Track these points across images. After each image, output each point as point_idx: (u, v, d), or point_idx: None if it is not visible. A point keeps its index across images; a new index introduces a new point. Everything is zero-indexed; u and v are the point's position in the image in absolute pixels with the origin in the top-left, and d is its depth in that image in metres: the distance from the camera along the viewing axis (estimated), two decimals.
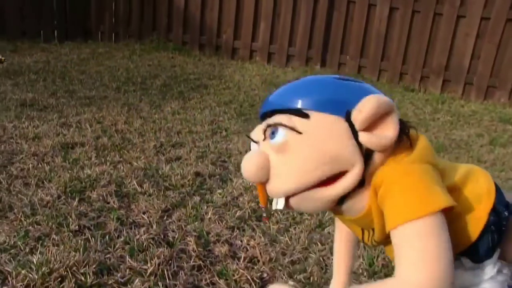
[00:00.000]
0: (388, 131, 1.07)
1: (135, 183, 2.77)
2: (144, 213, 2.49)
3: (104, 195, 2.62)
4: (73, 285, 1.85)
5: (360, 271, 2.20)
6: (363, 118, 1.06)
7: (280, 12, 7.14)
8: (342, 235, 1.58)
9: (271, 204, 1.18)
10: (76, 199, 2.52)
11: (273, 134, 1.12)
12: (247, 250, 2.26)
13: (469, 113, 5.71)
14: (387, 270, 2.21)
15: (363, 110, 1.06)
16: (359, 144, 1.09)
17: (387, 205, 1.06)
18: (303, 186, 1.09)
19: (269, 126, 1.14)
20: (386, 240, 1.15)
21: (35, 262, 1.93)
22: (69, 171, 2.85)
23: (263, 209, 1.21)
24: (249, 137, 1.22)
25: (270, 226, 2.48)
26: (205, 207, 2.61)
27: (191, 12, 7.39)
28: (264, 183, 1.14)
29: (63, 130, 3.55)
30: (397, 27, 6.75)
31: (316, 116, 1.09)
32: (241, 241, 2.32)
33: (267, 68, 6.92)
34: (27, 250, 2.05)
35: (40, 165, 2.91)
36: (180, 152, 3.38)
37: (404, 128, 1.12)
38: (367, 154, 1.10)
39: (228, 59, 7.29)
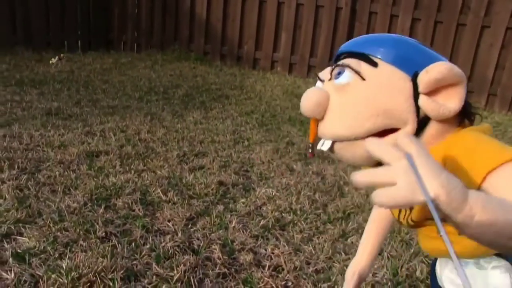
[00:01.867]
0: (450, 101, 1.05)
1: (160, 192, 2.80)
2: (169, 221, 2.51)
3: (129, 203, 2.65)
4: None
5: (384, 281, 2.21)
6: (428, 79, 1.04)
7: (302, 23, 7.16)
8: (377, 215, 1.57)
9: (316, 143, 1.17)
10: (102, 207, 2.56)
11: (339, 74, 1.12)
12: (272, 258, 2.28)
13: (493, 124, 5.66)
14: (411, 281, 2.22)
15: (430, 72, 1.04)
16: (418, 108, 1.07)
17: (462, 171, 0.98)
18: (352, 135, 1.08)
19: (337, 66, 1.14)
20: (423, 221, 1.14)
21: (64, 267, 1.96)
22: (95, 179, 2.89)
23: (310, 145, 1.18)
24: (317, 75, 1.20)
25: (294, 235, 2.50)
26: (229, 216, 2.63)
27: (213, 22, 7.44)
28: (318, 120, 1.13)
29: (88, 138, 3.59)
30: (419, 38, 6.73)
31: (383, 67, 1.09)
32: (266, 250, 2.34)
33: (288, 78, 6.94)
34: (56, 255, 2.09)
35: (66, 172, 2.95)
36: (203, 161, 3.41)
37: (469, 111, 1.11)
38: (423, 122, 1.08)
39: (249, 69, 7.32)
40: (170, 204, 2.70)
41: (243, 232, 2.48)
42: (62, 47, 7.11)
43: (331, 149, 1.13)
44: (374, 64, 1.09)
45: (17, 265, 1.98)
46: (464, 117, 1.11)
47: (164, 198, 2.75)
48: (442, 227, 0.73)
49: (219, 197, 2.86)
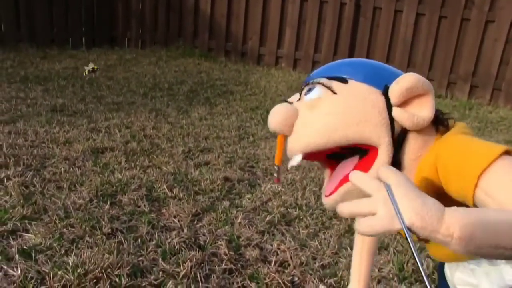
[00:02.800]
0: (423, 111, 1.08)
1: (165, 188, 2.80)
2: (174, 217, 2.51)
3: (135, 199, 2.64)
4: (108, 286, 1.88)
5: (391, 276, 2.20)
6: (399, 90, 1.07)
7: (306, 19, 7.15)
8: (363, 242, 1.57)
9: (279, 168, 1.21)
10: (108, 203, 2.56)
11: (309, 91, 1.15)
12: (278, 254, 2.27)
13: (497, 119, 5.66)
14: (417, 276, 2.21)
15: (400, 82, 1.07)
16: (392, 122, 1.09)
17: (454, 176, 1.02)
18: (324, 144, 1.09)
19: (307, 85, 1.17)
20: None
21: (70, 264, 1.96)
22: (100, 175, 2.89)
23: (275, 168, 1.19)
24: (285, 100, 1.22)
25: (300, 231, 2.49)
26: (235, 212, 2.63)
27: (217, 19, 7.44)
28: (285, 137, 1.14)
29: (93, 135, 3.59)
30: (424, 33, 6.72)
31: (354, 83, 1.12)
32: (272, 245, 2.34)
33: (292, 74, 6.93)
34: (62, 251, 2.08)
35: (71, 169, 2.95)
36: (209, 157, 3.41)
37: (441, 118, 1.14)
38: (402, 135, 1.11)
39: (254, 65, 7.31)
40: (175, 200, 2.70)
41: (249, 227, 2.48)
42: (66, 43, 7.11)
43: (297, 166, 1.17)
44: (344, 81, 1.12)
45: (23, 261, 1.98)
46: (438, 124, 1.13)
47: (169, 194, 2.75)
48: (417, 254, 0.80)
49: (224, 193, 2.86)
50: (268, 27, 7.31)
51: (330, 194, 1.14)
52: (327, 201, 1.15)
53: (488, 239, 0.84)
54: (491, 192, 0.95)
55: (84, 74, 5.47)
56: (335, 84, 1.12)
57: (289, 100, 1.21)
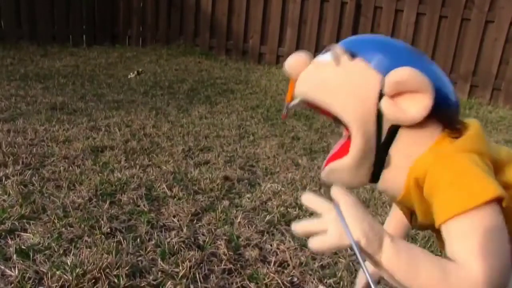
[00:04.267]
0: (412, 108, 1.06)
1: (165, 187, 2.79)
2: (174, 216, 2.50)
3: (135, 198, 2.64)
4: (107, 286, 1.87)
5: None
6: (389, 81, 1.06)
7: (307, 18, 7.14)
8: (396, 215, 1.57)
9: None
10: (107, 202, 2.55)
11: (323, 54, 1.20)
12: (277, 254, 2.26)
13: (497, 119, 5.65)
14: None
15: (392, 74, 1.06)
16: (381, 114, 1.09)
17: (435, 200, 1.03)
18: (310, 98, 1.18)
19: (327, 47, 1.21)
20: (430, 226, 1.16)
21: (69, 264, 1.95)
22: (100, 174, 2.88)
23: (285, 105, 1.28)
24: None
25: None
26: (235, 211, 2.62)
27: (218, 17, 7.43)
28: (295, 81, 1.21)
29: (93, 133, 3.59)
30: (424, 32, 6.71)
31: (359, 62, 1.12)
32: (271, 245, 2.33)
33: None
34: (61, 251, 2.08)
35: (71, 168, 2.94)
36: (209, 156, 3.40)
37: (451, 122, 1.12)
38: (393, 130, 1.10)
39: (255, 64, 7.31)
40: (175, 199, 2.69)
41: (248, 227, 2.47)
42: (67, 41, 7.12)
43: (299, 106, 1.23)
44: (353, 56, 1.13)
45: (21, 261, 1.97)
46: (446, 127, 1.11)
47: (169, 193, 2.74)
48: (363, 264, 0.89)
49: (224, 192, 2.85)
50: (269, 26, 7.31)
51: (323, 168, 1.22)
52: (322, 173, 1.23)
53: (405, 282, 0.95)
54: (449, 238, 0.99)
55: (129, 76, 5.48)
56: (343, 57, 1.14)
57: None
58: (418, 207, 1.13)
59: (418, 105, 1.05)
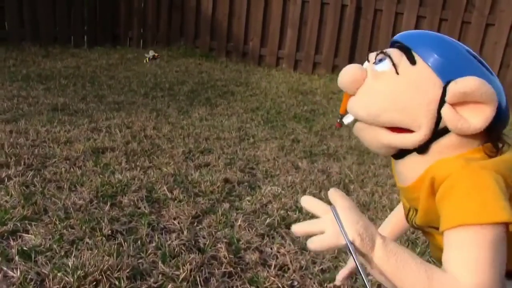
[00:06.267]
0: (474, 118, 1.03)
1: (165, 189, 2.81)
2: (174, 219, 2.52)
3: (135, 200, 2.65)
4: None
5: None
6: (455, 91, 1.03)
7: (307, 20, 7.15)
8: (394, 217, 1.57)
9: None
10: (108, 204, 2.56)
11: (380, 61, 1.16)
12: (277, 257, 2.28)
13: None
14: None
15: (459, 83, 1.03)
16: (439, 117, 1.07)
17: (446, 204, 1.03)
18: (369, 119, 1.14)
19: (382, 53, 1.17)
20: (425, 227, 1.19)
21: (70, 266, 1.96)
22: (100, 176, 2.89)
23: (339, 115, 1.25)
24: (368, 55, 1.24)
25: None
26: (235, 214, 2.63)
27: (218, 19, 7.44)
28: (350, 95, 1.18)
29: (94, 134, 3.60)
30: None
31: (421, 68, 1.10)
32: (271, 249, 2.34)
33: (293, 75, 6.93)
34: (62, 253, 2.09)
35: (72, 169, 2.95)
36: (209, 158, 3.41)
37: (496, 136, 1.10)
38: (444, 130, 1.08)
39: (255, 66, 7.32)
40: (175, 201, 2.70)
41: (248, 230, 2.48)
42: (69, 42, 7.13)
43: (353, 124, 1.20)
44: (413, 62, 1.11)
45: (23, 263, 1.98)
46: (488, 140, 1.09)
47: (169, 195, 2.76)
48: (358, 262, 0.94)
49: (224, 195, 2.86)
50: (269, 28, 7.32)
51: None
52: (356, 125, 1.21)
53: (393, 282, 0.99)
54: (447, 246, 1.01)
55: (145, 61, 5.47)
56: (402, 63, 1.12)
57: (369, 56, 1.22)
58: (421, 204, 1.13)
59: (480, 116, 1.03)
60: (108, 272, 1.96)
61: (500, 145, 1.11)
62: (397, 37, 1.19)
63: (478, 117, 1.03)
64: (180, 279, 2.00)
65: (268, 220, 2.59)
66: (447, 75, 1.07)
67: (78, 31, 7.32)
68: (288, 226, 2.58)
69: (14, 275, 1.90)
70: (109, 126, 3.84)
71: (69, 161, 3.08)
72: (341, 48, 7.08)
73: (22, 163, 2.92)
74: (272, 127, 4.39)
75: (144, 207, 2.59)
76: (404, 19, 6.75)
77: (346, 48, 7.05)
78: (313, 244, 1.00)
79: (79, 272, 1.92)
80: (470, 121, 1.04)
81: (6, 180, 2.69)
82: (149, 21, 7.69)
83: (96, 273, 1.93)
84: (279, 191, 2.98)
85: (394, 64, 1.12)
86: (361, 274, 0.94)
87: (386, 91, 1.12)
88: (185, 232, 2.38)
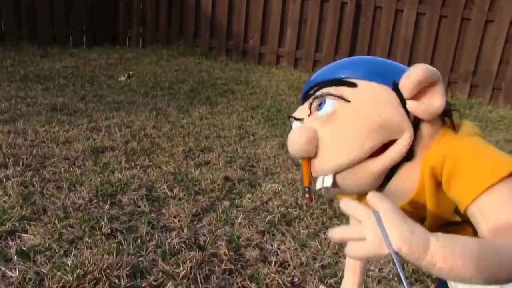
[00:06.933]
0: (436, 99, 1.07)
1: (165, 188, 2.79)
2: (174, 217, 2.50)
3: (135, 199, 2.64)
4: (107, 287, 1.87)
5: (391, 276, 2.19)
6: (411, 83, 1.06)
7: (307, 18, 7.14)
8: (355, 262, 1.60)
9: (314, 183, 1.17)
10: (108, 203, 2.55)
11: (320, 106, 1.12)
12: (278, 254, 2.26)
13: (497, 118, 5.65)
14: (418, 275, 2.21)
15: (411, 76, 1.06)
16: (407, 113, 1.09)
17: (458, 179, 1.03)
18: (356, 159, 1.08)
19: (316, 98, 1.14)
20: (437, 229, 1.15)
21: (69, 264, 1.95)
22: (100, 175, 2.88)
23: (306, 189, 1.18)
24: (291, 116, 1.20)
25: (300, 231, 2.49)
26: (235, 212, 2.62)
27: (218, 18, 7.43)
28: (310, 159, 1.13)
29: (93, 134, 3.59)
30: (424, 32, 6.71)
31: (363, 85, 1.10)
32: (272, 246, 2.33)
33: (293, 73, 6.92)
34: (62, 252, 2.07)
35: (71, 169, 2.94)
36: (209, 156, 3.40)
37: (449, 110, 1.14)
38: (414, 125, 1.10)
39: (255, 64, 7.31)
40: (176, 200, 2.69)
41: (249, 228, 2.47)
42: (67, 42, 7.11)
43: (334, 183, 1.12)
44: (353, 85, 1.10)
45: (22, 262, 1.97)
46: (445, 115, 1.13)
47: (170, 194, 2.74)
48: (404, 277, 0.84)
49: (225, 193, 2.85)
50: (269, 26, 7.31)
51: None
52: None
53: (468, 271, 0.88)
54: (486, 213, 0.97)
55: (119, 79, 5.47)
56: (345, 91, 1.10)
57: (296, 115, 1.18)
58: (430, 202, 1.12)
59: (438, 95, 1.07)
60: (108, 271, 1.94)
61: (451, 112, 1.15)
62: (314, 79, 1.18)
63: (437, 96, 1.07)
64: (180, 277, 1.99)
65: (268, 217, 2.58)
66: (387, 80, 1.10)
67: (76, 31, 7.30)
68: (288, 223, 2.57)
69: (13, 275, 1.88)
70: (108, 125, 3.83)
71: (68, 160, 3.06)
72: (342, 45, 7.07)
73: (21, 163, 2.90)
74: (272, 125, 4.38)
75: (144, 205, 2.58)
76: (404, 16, 6.74)
77: (346, 46, 7.04)
78: (352, 251, 0.91)
79: (78, 271, 1.90)
80: (433, 103, 1.07)
81: (4, 180, 2.67)
82: (148, 20, 7.68)
83: (96, 271, 1.92)
84: (279, 189, 2.96)
85: (339, 96, 1.10)
86: (404, 285, 0.86)
87: (353, 122, 1.09)
88: (185, 230, 2.37)
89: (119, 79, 5.45)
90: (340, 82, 1.12)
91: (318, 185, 1.15)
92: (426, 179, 1.09)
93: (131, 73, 5.54)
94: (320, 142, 1.11)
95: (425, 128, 1.11)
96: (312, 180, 1.17)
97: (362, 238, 0.90)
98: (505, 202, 0.96)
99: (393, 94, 1.09)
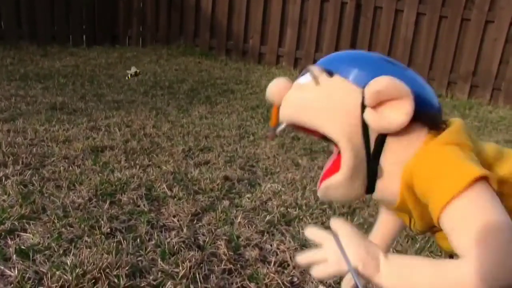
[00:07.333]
0: (394, 114, 1.08)
1: (165, 187, 2.79)
2: (174, 216, 2.50)
3: (135, 199, 2.63)
4: (107, 286, 1.86)
5: None
6: (369, 92, 1.08)
7: (307, 18, 7.14)
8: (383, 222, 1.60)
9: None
10: (107, 202, 2.54)
11: (302, 75, 1.23)
12: (277, 254, 2.26)
13: (497, 119, 5.65)
14: None
15: (372, 84, 1.08)
16: (366, 125, 1.11)
17: (427, 193, 1.05)
18: (295, 120, 1.20)
19: (305, 69, 1.24)
20: (429, 229, 1.20)
21: (69, 264, 1.95)
22: (100, 174, 2.87)
23: (269, 128, 1.36)
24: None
25: (300, 231, 2.48)
26: (235, 211, 2.62)
27: (218, 17, 7.43)
28: (278, 106, 1.25)
29: (93, 133, 3.58)
30: (424, 32, 6.72)
31: (338, 80, 1.16)
32: (271, 245, 2.33)
33: (293, 73, 6.91)
34: (61, 251, 2.07)
35: (71, 168, 2.94)
36: (209, 156, 3.40)
37: (435, 122, 1.15)
38: (381, 139, 1.12)
39: (255, 64, 7.31)
40: (175, 199, 2.69)
41: (248, 227, 2.47)
42: (67, 41, 7.11)
43: (284, 131, 1.27)
44: (330, 74, 1.17)
45: (21, 261, 1.96)
46: (431, 128, 1.13)
47: (169, 193, 2.74)
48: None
49: (224, 192, 2.85)
50: (269, 26, 7.31)
51: (318, 187, 1.25)
52: (318, 192, 1.27)
53: None
54: (448, 230, 1.00)
55: (127, 78, 5.46)
56: (322, 76, 1.17)
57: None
58: (414, 212, 1.15)
59: (400, 111, 1.07)
60: (107, 270, 1.94)
61: (444, 126, 1.15)
62: (318, 63, 1.26)
63: (398, 113, 1.08)
64: (180, 276, 1.99)
65: (268, 217, 2.58)
66: (365, 83, 1.11)
67: (76, 30, 7.29)
68: (288, 223, 2.57)
69: (12, 274, 1.88)
70: (108, 124, 3.83)
71: (68, 160, 3.06)
72: (341, 46, 7.06)
73: (20, 162, 2.90)
74: None
75: (144, 205, 2.58)
76: (404, 17, 6.74)
77: (346, 46, 7.03)
78: (316, 272, 1.07)
79: (77, 270, 1.90)
80: (391, 118, 1.08)
81: (3, 179, 2.67)
82: (148, 19, 7.67)
83: (95, 271, 1.92)
84: (279, 188, 2.96)
85: (314, 76, 1.18)
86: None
87: (308, 99, 1.18)
88: (184, 230, 2.37)
89: (127, 74, 5.46)
90: (324, 69, 1.19)
91: (277, 129, 1.28)
92: (406, 193, 1.12)
93: (138, 71, 5.54)
94: (285, 97, 1.22)
95: (392, 141, 1.12)
96: (277, 123, 1.28)
97: (324, 259, 1.06)
98: (466, 218, 0.97)
99: (359, 98, 1.12)
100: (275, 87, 1.25)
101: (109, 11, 7.56)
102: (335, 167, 1.18)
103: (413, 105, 1.07)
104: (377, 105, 1.09)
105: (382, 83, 1.07)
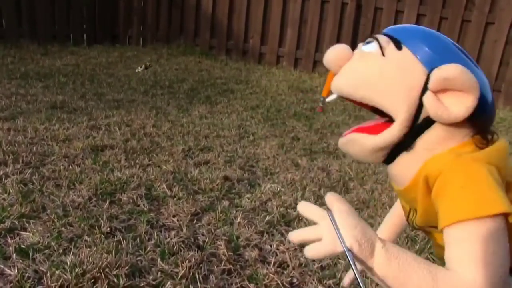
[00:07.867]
0: (455, 106, 1.03)
1: (165, 187, 2.79)
2: (174, 216, 2.50)
3: (134, 198, 2.64)
4: (106, 286, 1.87)
5: None
6: (437, 76, 1.03)
7: (307, 18, 7.14)
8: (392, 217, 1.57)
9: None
10: (107, 202, 2.55)
11: (368, 43, 1.17)
12: (277, 255, 2.26)
13: (497, 120, 5.63)
14: None
15: (441, 70, 1.04)
16: (421, 106, 1.07)
17: (442, 201, 1.02)
18: (350, 94, 1.14)
19: (371, 37, 1.18)
20: (426, 227, 1.17)
21: (68, 263, 1.95)
22: (99, 174, 2.88)
23: (321, 98, 1.28)
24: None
25: None
26: (234, 212, 2.62)
27: (218, 17, 7.43)
28: (334, 75, 1.19)
29: (93, 132, 3.58)
30: None
31: (406, 53, 1.10)
32: (271, 246, 2.33)
33: (293, 73, 6.93)
34: (61, 251, 2.07)
35: (71, 167, 2.94)
36: (209, 156, 3.40)
37: (484, 126, 1.11)
38: (427, 123, 1.08)
39: (255, 64, 7.31)
40: (175, 199, 2.69)
41: (248, 228, 2.47)
42: (68, 40, 7.10)
43: (335, 102, 1.21)
44: (399, 47, 1.11)
45: (21, 260, 1.97)
46: (477, 132, 1.09)
47: (169, 193, 2.74)
48: (357, 272, 0.90)
49: (224, 193, 2.85)
50: (269, 26, 7.30)
51: (344, 135, 1.22)
52: (340, 139, 1.23)
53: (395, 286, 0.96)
54: (448, 243, 0.99)
55: (137, 70, 5.45)
56: (389, 47, 1.12)
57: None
58: (419, 204, 1.12)
59: (462, 105, 1.03)
60: (107, 270, 1.94)
61: (490, 136, 1.10)
62: (386, 30, 1.20)
63: (459, 105, 1.03)
64: (179, 276, 1.99)
65: (267, 218, 2.58)
66: (432, 65, 1.07)
67: (77, 29, 7.29)
68: (287, 224, 2.57)
69: (12, 272, 1.88)
70: (108, 124, 3.83)
71: (68, 159, 3.06)
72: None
73: (20, 161, 2.90)
74: (272, 125, 4.37)
75: (143, 204, 2.58)
76: (404, 17, 6.73)
77: None
78: (310, 252, 0.99)
79: (77, 269, 1.90)
80: (451, 108, 1.03)
81: (3, 178, 2.67)
82: (149, 19, 7.67)
83: (95, 270, 1.92)
84: (278, 189, 2.96)
85: (381, 47, 1.13)
86: (359, 282, 0.92)
87: (370, 70, 1.13)
88: (184, 230, 2.37)
89: (136, 70, 5.46)
90: (393, 39, 1.13)
91: (328, 98, 1.24)
92: (420, 183, 1.09)
93: (148, 64, 5.53)
94: (344, 66, 1.16)
95: (438, 131, 1.08)
96: (329, 93, 1.24)
97: (318, 238, 0.97)
98: (464, 244, 0.96)
99: (423, 78, 1.07)
100: (334, 55, 1.18)
101: (109, 10, 7.55)
102: (375, 129, 1.14)
103: (476, 102, 1.02)
104: (439, 91, 1.05)
105: (453, 71, 1.02)
